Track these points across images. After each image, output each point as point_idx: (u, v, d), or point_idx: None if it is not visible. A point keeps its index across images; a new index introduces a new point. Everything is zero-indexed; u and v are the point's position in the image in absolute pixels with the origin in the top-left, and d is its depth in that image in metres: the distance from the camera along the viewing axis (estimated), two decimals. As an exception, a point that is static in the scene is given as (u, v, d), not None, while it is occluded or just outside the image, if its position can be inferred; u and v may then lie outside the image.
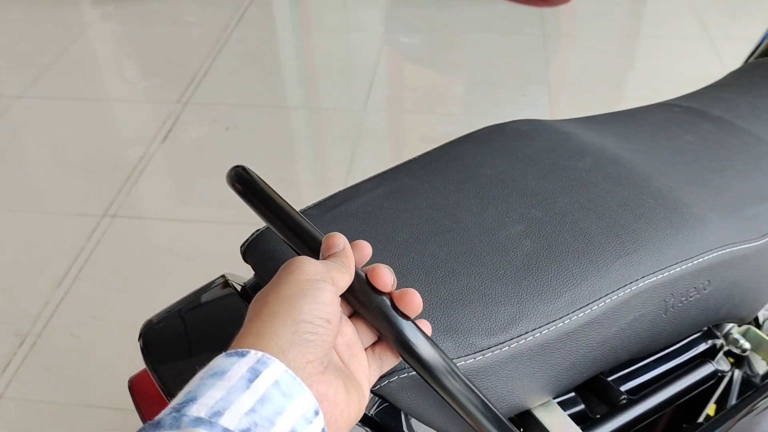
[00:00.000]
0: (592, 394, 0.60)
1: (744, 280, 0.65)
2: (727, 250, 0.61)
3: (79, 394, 1.52)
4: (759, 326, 0.79)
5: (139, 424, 0.56)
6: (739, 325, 0.73)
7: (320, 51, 2.93)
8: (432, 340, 0.45)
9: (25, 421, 1.48)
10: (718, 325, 0.71)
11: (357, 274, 0.45)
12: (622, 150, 0.67)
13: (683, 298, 0.59)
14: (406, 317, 0.45)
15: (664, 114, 0.77)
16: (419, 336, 0.44)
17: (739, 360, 0.71)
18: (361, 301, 0.45)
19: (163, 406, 0.39)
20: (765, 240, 0.65)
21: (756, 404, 0.58)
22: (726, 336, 0.71)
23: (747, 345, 0.70)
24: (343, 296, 0.45)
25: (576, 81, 2.61)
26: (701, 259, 0.59)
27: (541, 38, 2.79)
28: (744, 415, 0.56)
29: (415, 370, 0.45)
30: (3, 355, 1.59)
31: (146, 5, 3.06)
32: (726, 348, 0.72)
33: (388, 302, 0.45)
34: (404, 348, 0.44)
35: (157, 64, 2.71)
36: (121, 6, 3.07)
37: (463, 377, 0.46)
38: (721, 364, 0.70)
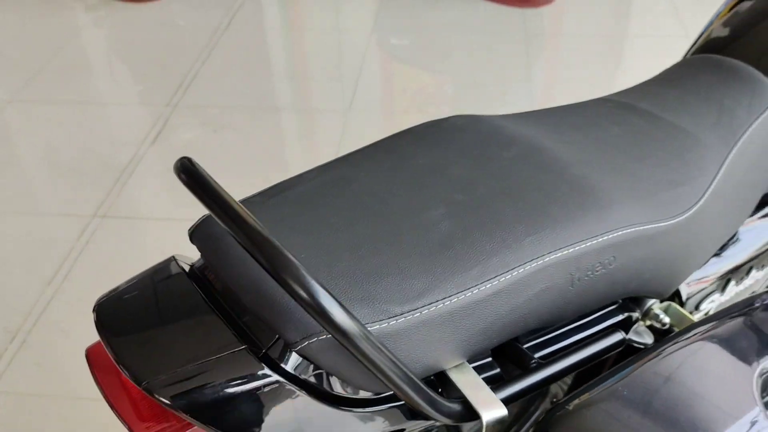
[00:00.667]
0: (507, 359, 0.66)
1: (653, 258, 0.70)
2: (633, 229, 0.66)
3: (69, 388, 1.57)
4: (683, 303, 0.84)
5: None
6: (661, 301, 0.78)
7: (310, 52, 2.97)
8: (344, 306, 0.50)
9: (16, 414, 1.52)
10: (639, 300, 0.76)
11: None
12: (550, 141, 0.72)
13: (589, 273, 0.64)
14: (322, 286, 0.50)
15: (597, 108, 0.82)
16: (333, 303, 0.49)
17: (663, 334, 0.76)
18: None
19: (116, 375, 0.43)
20: (676, 221, 0.70)
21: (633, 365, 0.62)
22: (647, 311, 0.76)
23: (667, 320, 0.76)
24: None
25: (560, 80, 2.66)
26: (605, 237, 0.64)
27: (523, 41, 2.83)
28: (615, 378, 0.61)
29: (330, 333, 0.50)
30: (-6, 351, 1.64)
31: (137, 10, 3.10)
32: (649, 323, 0.76)
33: (302, 271, 0.49)
34: (319, 313, 0.49)
35: (148, 67, 2.75)
36: (113, 10, 3.11)
37: (374, 339, 0.51)
38: (644, 337, 0.75)
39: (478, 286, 0.58)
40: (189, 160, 0.53)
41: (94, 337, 0.63)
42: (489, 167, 0.66)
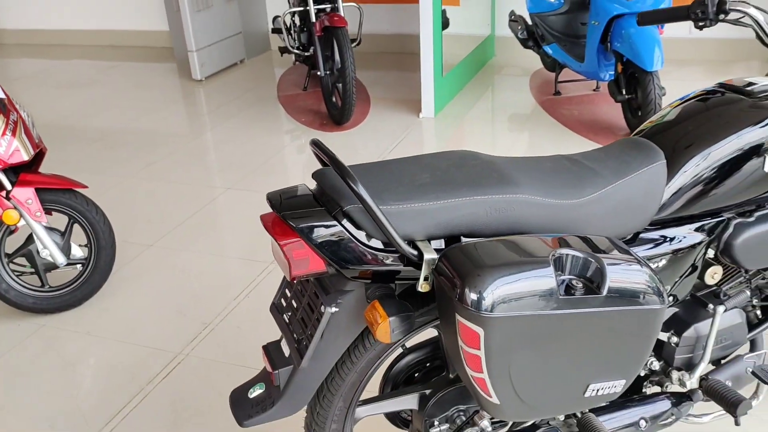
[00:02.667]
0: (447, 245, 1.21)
1: (549, 217, 1.21)
2: (530, 197, 1.18)
3: (236, 358, 2.23)
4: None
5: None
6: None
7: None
8: (366, 192, 1.09)
9: (208, 375, 2.19)
10: None
11: None
12: (502, 162, 1.27)
13: (498, 212, 1.16)
14: (358, 183, 1.10)
15: (548, 157, 1.36)
16: (363, 191, 1.10)
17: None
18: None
19: (273, 221, 1.08)
20: (564, 202, 1.19)
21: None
22: None
23: None
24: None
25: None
26: (510, 196, 1.17)
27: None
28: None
29: (360, 203, 1.11)
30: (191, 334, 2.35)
31: (329, 136, 4.02)
32: None
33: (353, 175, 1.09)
34: (355, 193, 1.10)
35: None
36: (309, 135, 4.06)
37: (377, 209, 1.09)
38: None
39: (443, 201, 1.16)
40: (318, 141, 1.18)
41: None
42: (465, 166, 1.24)
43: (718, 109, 1.47)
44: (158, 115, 4.69)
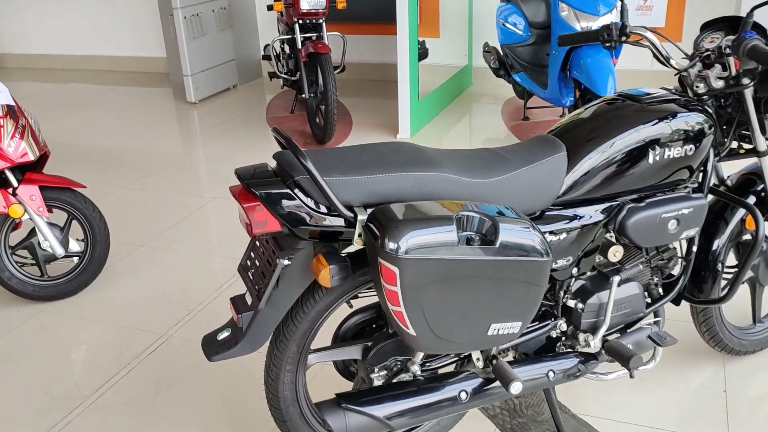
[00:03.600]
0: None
1: (465, 193, 1.50)
2: (449, 175, 1.47)
3: (214, 340, 2.49)
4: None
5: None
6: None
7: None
8: (313, 166, 1.39)
9: (189, 352, 2.45)
10: None
11: None
12: (431, 150, 1.57)
13: (424, 185, 1.45)
14: (306, 157, 1.40)
15: (473, 149, 1.66)
16: (311, 164, 1.40)
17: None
18: None
19: (239, 191, 1.39)
20: (477, 180, 1.49)
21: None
22: None
23: None
24: None
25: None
26: (431, 173, 1.46)
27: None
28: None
29: (308, 175, 1.40)
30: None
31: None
32: None
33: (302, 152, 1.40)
34: (304, 167, 1.40)
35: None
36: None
37: (319, 176, 1.40)
38: None
39: (375, 175, 1.45)
40: (277, 129, 1.47)
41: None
42: (399, 151, 1.52)
43: (615, 112, 1.77)
44: (153, 134, 5.00)
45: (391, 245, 1.34)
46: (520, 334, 1.54)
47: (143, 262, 3.11)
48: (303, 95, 4.57)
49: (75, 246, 2.80)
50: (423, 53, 5.00)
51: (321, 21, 4.56)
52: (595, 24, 3.95)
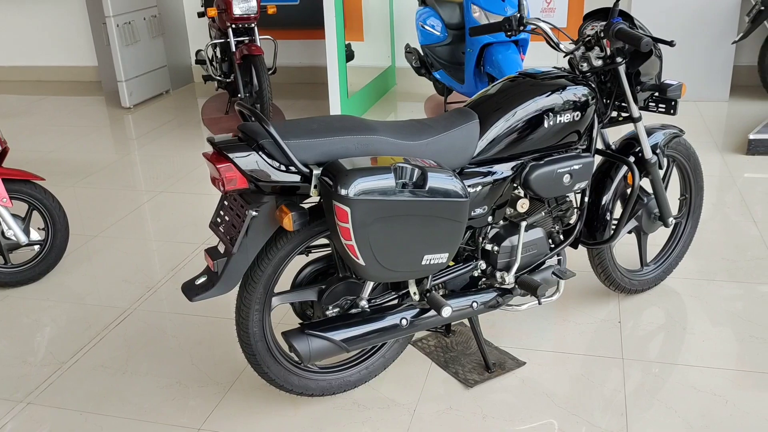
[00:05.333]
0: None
1: (391, 152, 1.84)
2: (386, 138, 1.81)
3: (181, 309, 2.74)
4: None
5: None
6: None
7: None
8: (275, 130, 1.71)
9: (153, 321, 2.70)
10: None
11: None
12: (370, 120, 1.90)
13: (365, 145, 1.80)
14: (269, 123, 1.71)
15: (404, 120, 2.01)
16: (272, 128, 1.71)
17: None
18: None
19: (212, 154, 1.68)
20: (409, 142, 1.84)
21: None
22: None
23: None
24: None
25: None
26: (373, 136, 1.79)
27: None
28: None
29: (270, 138, 1.71)
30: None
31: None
32: None
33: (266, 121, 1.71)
34: (268, 132, 1.70)
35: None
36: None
37: (279, 138, 1.72)
38: None
39: (325, 139, 1.78)
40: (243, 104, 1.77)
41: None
42: (344, 120, 1.84)
43: (516, 87, 2.16)
44: (91, 138, 5.15)
45: (343, 191, 1.67)
46: (447, 264, 1.90)
47: (99, 250, 3.32)
48: (239, 96, 4.84)
49: (36, 235, 3.00)
50: (349, 55, 5.35)
51: (253, 25, 4.85)
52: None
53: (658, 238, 2.92)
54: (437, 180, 1.78)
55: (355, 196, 1.67)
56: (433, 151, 1.95)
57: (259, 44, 4.79)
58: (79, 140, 5.10)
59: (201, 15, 5.21)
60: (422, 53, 5.18)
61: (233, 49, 4.80)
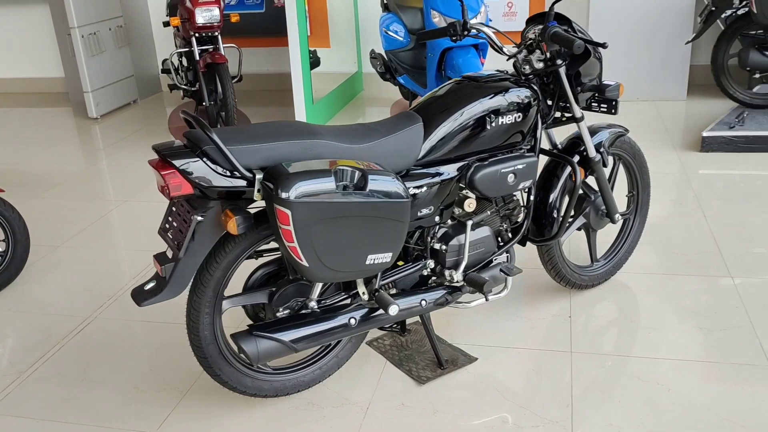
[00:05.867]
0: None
1: (334, 156, 1.89)
2: (330, 142, 1.86)
3: (141, 317, 2.77)
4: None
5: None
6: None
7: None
8: (217, 135, 1.75)
9: (113, 329, 2.72)
10: None
11: None
12: (315, 125, 1.95)
13: (309, 151, 1.85)
14: (209, 129, 1.75)
15: (350, 125, 2.06)
16: (214, 135, 1.75)
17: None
18: None
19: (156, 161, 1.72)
20: (352, 146, 1.90)
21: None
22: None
23: None
24: None
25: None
26: (315, 140, 1.84)
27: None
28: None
29: (213, 144, 1.75)
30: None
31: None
32: None
33: (208, 128, 1.74)
34: (210, 137, 1.75)
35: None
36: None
37: (220, 142, 1.76)
38: None
39: (270, 144, 1.82)
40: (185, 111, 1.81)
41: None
42: (290, 126, 1.89)
43: (461, 90, 2.22)
44: (57, 149, 5.15)
45: (284, 194, 1.72)
46: (392, 263, 1.95)
47: (61, 260, 3.33)
48: (204, 104, 4.86)
49: (-4, 246, 3.01)
50: (315, 62, 5.40)
51: (216, 34, 4.88)
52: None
53: (611, 234, 3.00)
54: (378, 182, 1.83)
55: (295, 199, 1.72)
56: (377, 154, 2.00)
57: (222, 52, 4.83)
58: (45, 151, 5.10)
59: (167, 24, 5.23)
60: (387, 58, 5.24)
61: (197, 57, 4.83)
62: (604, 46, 2.14)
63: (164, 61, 5.46)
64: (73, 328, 2.74)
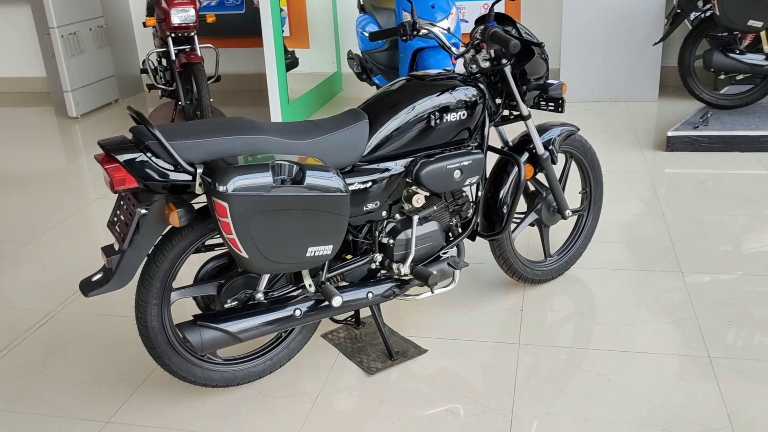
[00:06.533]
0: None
1: (295, 151, 1.97)
2: (273, 138, 1.92)
3: (106, 310, 2.82)
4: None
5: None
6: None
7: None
8: (159, 132, 1.81)
9: (76, 323, 2.77)
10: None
11: None
12: (261, 122, 1.99)
13: (248, 147, 1.90)
14: (153, 128, 1.81)
15: (297, 122, 2.11)
16: (157, 131, 1.81)
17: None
18: None
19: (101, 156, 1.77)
20: (297, 142, 1.96)
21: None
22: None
23: None
24: None
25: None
26: (257, 136, 1.90)
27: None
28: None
29: (154, 139, 1.81)
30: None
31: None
32: None
33: (150, 126, 1.81)
34: (153, 134, 1.80)
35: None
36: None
37: (162, 139, 1.81)
38: None
39: (211, 139, 1.88)
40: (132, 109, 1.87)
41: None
42: (234, 122, 1.93)
43: (407, 89, 2.28)
44: (35, 148, 5.20)
45: (221, 187, 1.77)
46: (333, 256, 2.01)
47: (30, 257, 3.38)
48: (180, 103, 4.92)
49: (-37, 242, 3.06)
50: (293, 62, 5.46)
51: (192, 34, 4.93)
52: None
53: (567, 230, 3.06)
54: (316, 176, 1.89)
55: (232, 192, 1.77)
56: (321, 150, 2.06)
57: (198, 53, 4.88)
58: (23, 150, 5.14)
59: (146, 25, 5.29)
60: (363, 59, 5.31)
61: (173, 57, 4.88)
62: (540, 45, 2.20)
63: (143, 61, 5.51)
64: (35, 322, 2.79)
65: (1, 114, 6.27)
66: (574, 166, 2.81)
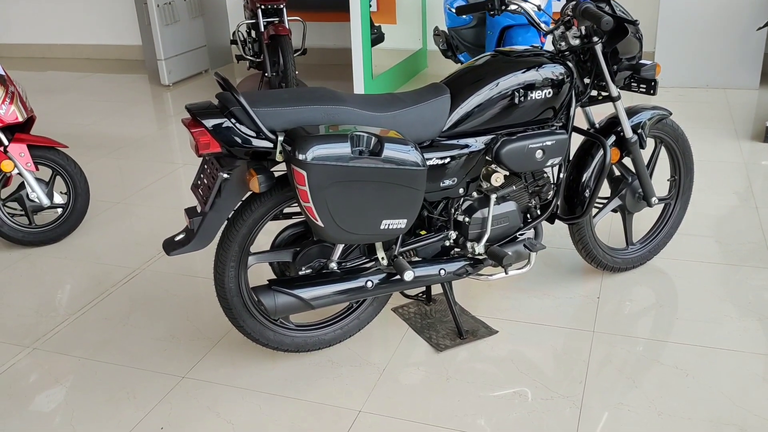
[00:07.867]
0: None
1: (375, 124, 1.96)
2: (354, 109, 1.92)
3: (187, 271, 2.92)
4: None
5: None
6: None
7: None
8: (243, 97, 1.83)
9: (160, 281, 2.88)
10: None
11: None
12: (342, 92, 1.98)
13: (328, 116, 1.92)
14: (239, 95, 1.83)
15: (378, 94, 2.10)
16: (242, 99, 1.84)
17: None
18: None
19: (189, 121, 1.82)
20: (376, 114, 1.95)
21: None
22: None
23: None
24: None
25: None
26: (340, 107, 1.90)
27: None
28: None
29: (238, 105, 1.84)
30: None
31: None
32: None
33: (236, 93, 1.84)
34: (238, 101, 1.84)
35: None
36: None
37: (246, 104, 1.84)
38: None
39: (293, 108, 1.90)
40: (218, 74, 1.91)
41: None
42: (316, 92, 1.93)
43: (492, 64, 2.24)
44: (129, 113, 5.41)
45: (300, 155, 1.79)
46: (407, 230, 2.00)
47: (119, 216, 3.53)
48: (266, 75, 5.00)
49: (59, 198, 3.22)
50: (379, 38, 5.45)
51: (282, 6, 4.99)
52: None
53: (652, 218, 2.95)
54: (393, 149, 1.88)
55: (311, 161, 1.79)
56: (401, 123, 2.05)
57: (287, 25, 4.94)
58: (116, 115, 5.36)
59: (236, -4, 5.39)
60: (449, 36, 5.24)
61: (262, 29, 4.95)
62: (635, 23, 2.11)
63: (233, 32, 5.63)
64: (121, 278, 2.92)
65: (99, 80, 6.55)
66: (663, 152, 2.70)
